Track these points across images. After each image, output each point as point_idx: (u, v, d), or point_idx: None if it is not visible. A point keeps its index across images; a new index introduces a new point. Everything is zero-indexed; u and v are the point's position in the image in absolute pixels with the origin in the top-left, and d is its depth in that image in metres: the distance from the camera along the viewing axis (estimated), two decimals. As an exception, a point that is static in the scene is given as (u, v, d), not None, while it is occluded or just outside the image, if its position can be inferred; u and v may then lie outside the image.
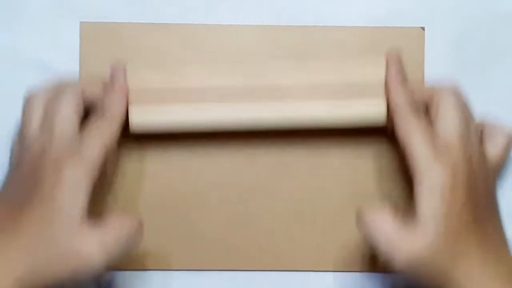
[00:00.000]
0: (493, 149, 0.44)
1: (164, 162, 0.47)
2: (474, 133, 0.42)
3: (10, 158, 0.45)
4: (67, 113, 0.41)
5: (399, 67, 0.43)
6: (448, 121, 0.41)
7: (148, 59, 0.47)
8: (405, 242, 0.40)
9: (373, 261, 0.48)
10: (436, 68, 0.47)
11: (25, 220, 0.39)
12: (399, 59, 0.44)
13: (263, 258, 0.48)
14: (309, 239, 0.48)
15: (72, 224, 0.39)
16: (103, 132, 0.41)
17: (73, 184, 0.39)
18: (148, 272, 0.48)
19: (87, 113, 0.43)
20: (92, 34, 0.46)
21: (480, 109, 0.46)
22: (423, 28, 0.47)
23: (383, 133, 0.47)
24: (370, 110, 0.44)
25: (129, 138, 0.46)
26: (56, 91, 0.42)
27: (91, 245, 0.39)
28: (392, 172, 0.47)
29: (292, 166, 0.48)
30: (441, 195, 0.39)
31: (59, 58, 0.47)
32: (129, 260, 0.47)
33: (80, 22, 0.46)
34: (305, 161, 0.48)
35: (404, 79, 0.43)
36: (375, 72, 0.44)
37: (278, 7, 0.47)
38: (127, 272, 0.48)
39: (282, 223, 0.48)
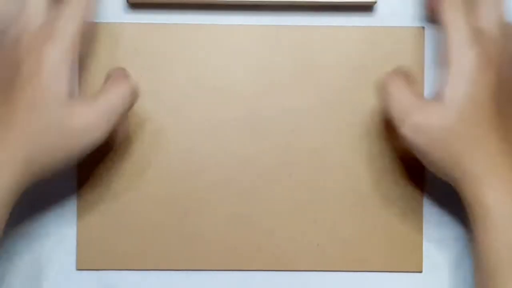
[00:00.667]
0: None
1: (164, 162, 0.47)
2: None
3: None
4: None
5: None
6: (491, 10, 0.41)
7: (146, 58, 0.47)
8: (421, 111, 0.40)
9: (373, 259, 0.48)
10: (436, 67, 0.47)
11: (16, 110, 0.39)
12: None
13: (263, 258, 0.48)
14: (309, 239, 0.48)
15: (61, 103, 0.39)
16: (79, 8, 0.41)
17: (54, 66, 0.39)
18: (147, 272, 0.48)
19: None
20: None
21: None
22: (423, 28, 0.47)
23: (380, 135, 0.47)
24: None
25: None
26: None
27: (87, 117, 0.40)
28: (392, 171, 0.47)
29: (292, 166, 0.48)
30: (470, 77, 0.39)
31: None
32: (129, 260, 0.48)
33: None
34: (305, 161, 0.47)
35: None
36: None
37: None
38: (127, 272, 0.48)
39: (282, 223, 0.48)
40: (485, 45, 0.40)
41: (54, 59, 0.39)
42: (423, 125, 0.39)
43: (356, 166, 0.48)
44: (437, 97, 0.40)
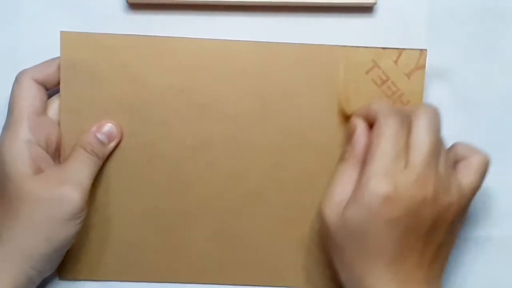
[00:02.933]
0: (466, 176, 0.41)
1: (151, 176, 0.46)
2: (443, 160, 0.41)
3: None
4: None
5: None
6: (418, 148, 0.40)
7: (134, 71, 0.45)
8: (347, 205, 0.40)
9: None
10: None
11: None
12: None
13: (249, 273, 0.47)
14: (295, 256, 0.46)
15: None
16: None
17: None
18: (129, 283, 0.47)
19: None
20: (73, 43, 0.44)
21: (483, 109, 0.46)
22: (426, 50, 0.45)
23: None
24: None
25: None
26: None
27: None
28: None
29: (280, 184, 0.46)
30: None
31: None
32: (111, 271, 0.46)
33: (60, 31, 0.44)
34: (293, 180, 0.46)
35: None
36: None
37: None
38: (109, 283, 0.47)
39: (268, 239, 0.46)
40: (408, 184, 0.39)
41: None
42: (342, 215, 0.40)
43: None
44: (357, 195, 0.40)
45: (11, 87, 0.43)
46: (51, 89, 0.45)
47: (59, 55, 0.44)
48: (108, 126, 0.45)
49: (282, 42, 0.45)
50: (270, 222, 0.46)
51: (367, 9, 0.47)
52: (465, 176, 0.41)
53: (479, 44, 0.47)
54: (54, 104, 0.45)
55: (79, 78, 0.45)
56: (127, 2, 0.46)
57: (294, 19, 0.47)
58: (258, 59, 0.45)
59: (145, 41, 0.45)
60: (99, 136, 0.44)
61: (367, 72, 0.45)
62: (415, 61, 0.45)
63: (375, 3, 0.46)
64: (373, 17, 0.47)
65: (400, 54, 0.45)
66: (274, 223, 0.46)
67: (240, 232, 0.46)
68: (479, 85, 0.47)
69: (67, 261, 0.46)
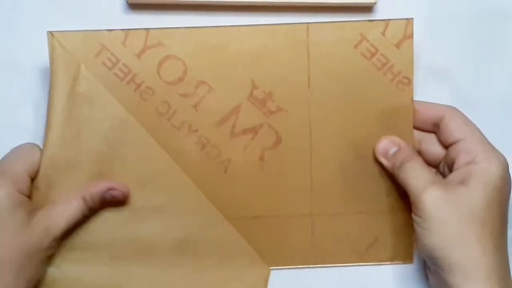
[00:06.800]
0: None
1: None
2: None
3: None
4: None
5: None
6: None
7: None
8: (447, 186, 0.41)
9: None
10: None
11: None
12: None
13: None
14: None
15: None
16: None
17: None
18: None
19: None
20: (60, 42, 0.44)
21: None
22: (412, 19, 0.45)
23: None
24: None
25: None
26: None
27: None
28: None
29: None
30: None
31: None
32: None
33: (47, 31, 0.44)
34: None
35: None
36: None
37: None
38: None
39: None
40: None
41: None
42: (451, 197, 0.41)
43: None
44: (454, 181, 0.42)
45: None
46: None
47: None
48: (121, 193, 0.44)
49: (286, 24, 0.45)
50: None
51: (367, 9, 0.47)
52: None
53: (479, 44, 0.47)
54: None
55: (68, 76, 0.44)
56: (127, 2, 0.46)
57: (294, 19, 0.47)
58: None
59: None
60: (107, 195, 0.44)
61: (355, 46, 0.45)
62: (403, 31, 0.45)
63: (375, 3, 0.46)
64: (373, 17, 0.47)
65: (387, 25, 0.45)
66: None
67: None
68: (479, 85, 0.48)
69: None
